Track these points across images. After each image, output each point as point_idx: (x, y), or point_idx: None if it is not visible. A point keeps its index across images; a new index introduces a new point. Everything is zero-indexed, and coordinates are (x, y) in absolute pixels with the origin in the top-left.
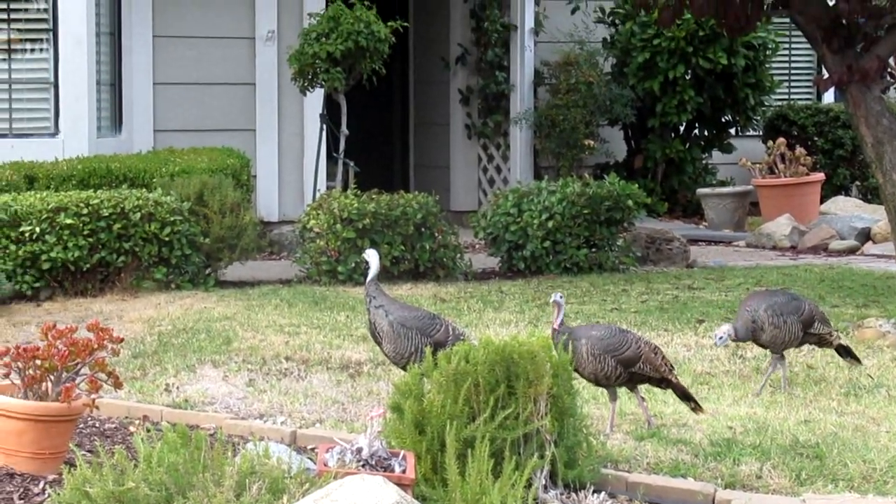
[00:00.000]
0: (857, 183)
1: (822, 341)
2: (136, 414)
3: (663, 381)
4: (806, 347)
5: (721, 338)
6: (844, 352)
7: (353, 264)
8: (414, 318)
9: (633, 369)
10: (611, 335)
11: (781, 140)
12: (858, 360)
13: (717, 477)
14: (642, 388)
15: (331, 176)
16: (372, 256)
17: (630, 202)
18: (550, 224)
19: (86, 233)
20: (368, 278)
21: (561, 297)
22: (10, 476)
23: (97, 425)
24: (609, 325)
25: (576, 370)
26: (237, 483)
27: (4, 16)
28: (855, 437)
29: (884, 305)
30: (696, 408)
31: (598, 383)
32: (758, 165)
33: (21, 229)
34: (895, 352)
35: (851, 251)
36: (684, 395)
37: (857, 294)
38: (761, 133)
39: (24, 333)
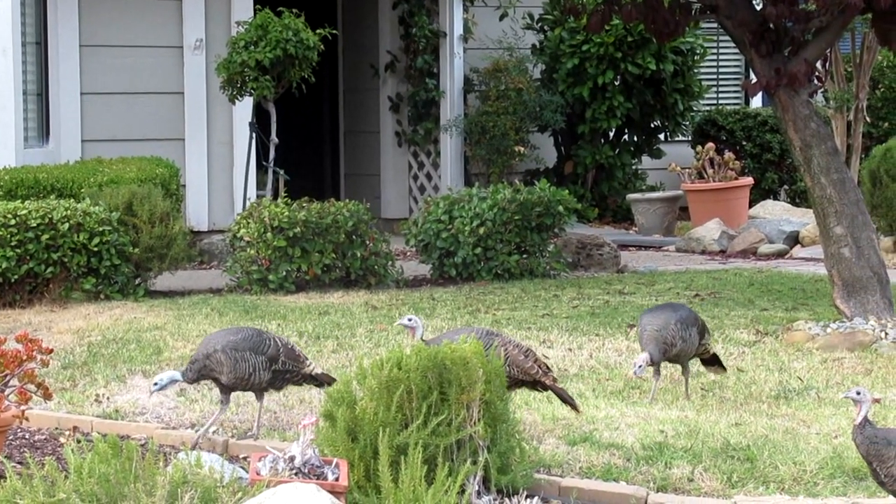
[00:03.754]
0: (786, 187)
1: (705, 350)
2: (66, 425)
3: (538, 384)
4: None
5: (640, 366)
6: (713, 360)
7: (285, 273)
8: (243, 340)
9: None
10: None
11: (710, 145)
12: (725, 369)
13: (649, 480)
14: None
15: (261, 185)
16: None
17: (560, 208)
18: (481, 231)
19: (13, 244)
20: (179, 382)
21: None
22: None
23: (27, 437)
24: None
25: None
26: (169, 493)
27: None
28: (785, 440)
29: (813, 308)
30: (574, 408)
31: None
32: (687, 170)
33: None
34: (824, 354)
35: (780, 255)
36: (563, 398)
37: (787, 297)
38: (690, 138)
39: None
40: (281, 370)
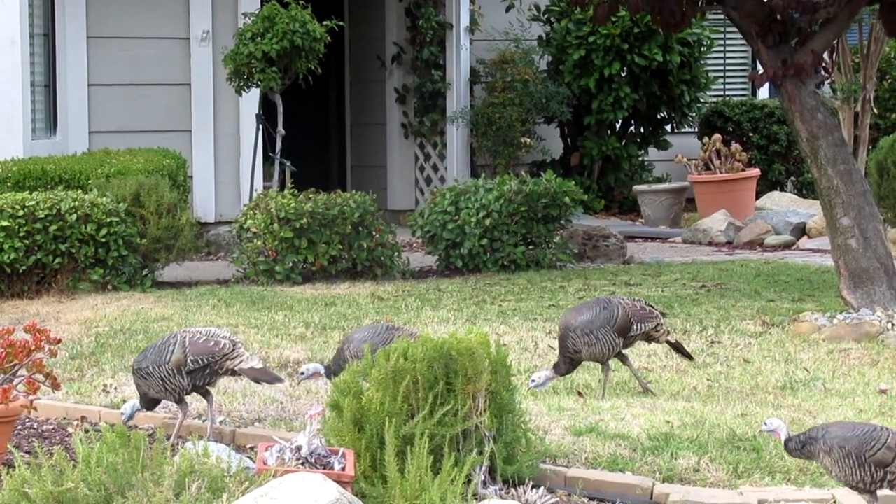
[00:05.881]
0: (793, 178)
1: (649, 338)
2: (74, 415)
3: None
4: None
5: (534, 381)
6: (675, 348)
7: (291, 264)
8: (144, 358)
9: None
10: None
11: (717, 136)
12: (690, 357)
13: (655, 471)
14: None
15: (267, 176)
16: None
17: (567, 199)
18: (488, 222)
19: (21, 234)
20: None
21: None
22: None
23: (35, 427)
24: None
25: None
26: (176, 482)
27: None
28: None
29: (819, 299)
30: None
31: None
32: (693, 162)
33: None
34: (831, 345)
35: (787, 246)
36: None
37: (793, 288)
38: (697, 129)
39: None
40: (196, 369)
